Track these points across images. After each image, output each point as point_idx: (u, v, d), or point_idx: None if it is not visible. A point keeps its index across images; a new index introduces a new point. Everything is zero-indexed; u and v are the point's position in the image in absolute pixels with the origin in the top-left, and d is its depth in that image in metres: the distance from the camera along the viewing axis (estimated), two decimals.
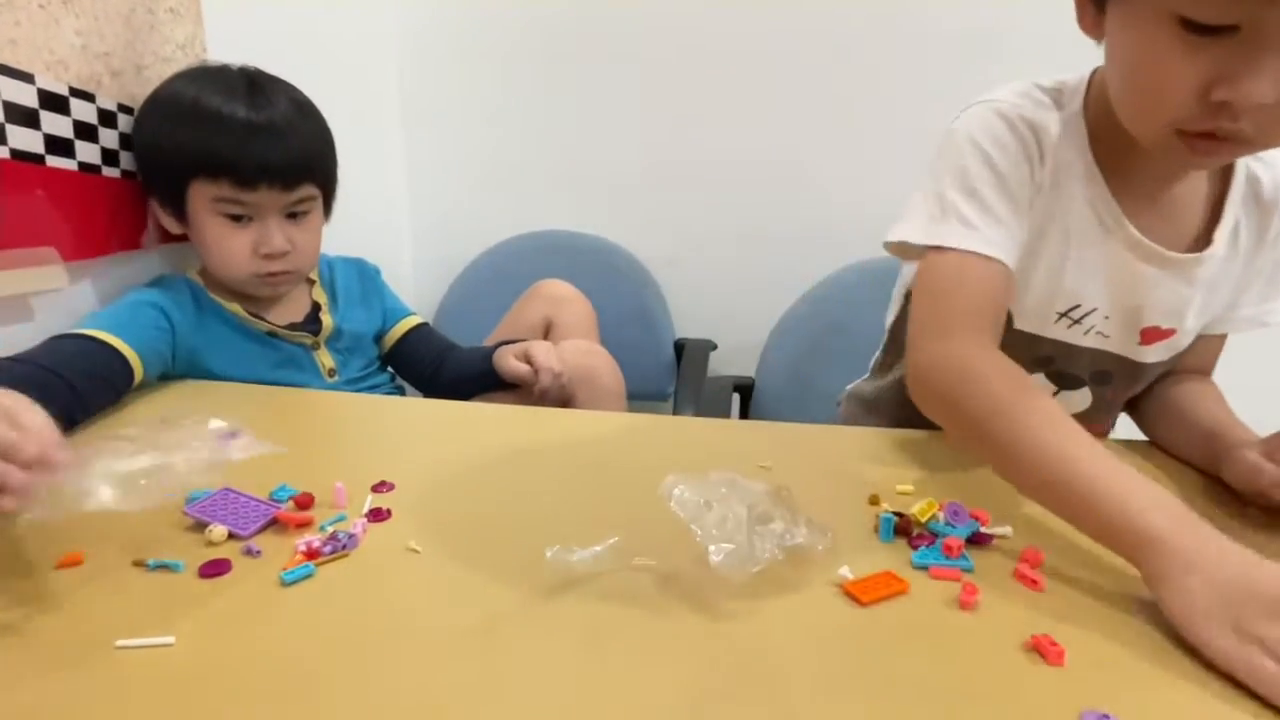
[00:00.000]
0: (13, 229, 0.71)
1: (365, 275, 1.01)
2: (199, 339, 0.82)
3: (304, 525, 0.49)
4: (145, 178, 0.83)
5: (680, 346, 1.39)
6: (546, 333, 1.02)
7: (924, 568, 0.46)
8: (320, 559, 0.45)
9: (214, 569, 0.44)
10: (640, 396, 1.21)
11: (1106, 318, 0.63)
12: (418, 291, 1.52)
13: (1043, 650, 0.38)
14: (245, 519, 0.48)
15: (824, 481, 0.57)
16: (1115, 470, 0.45)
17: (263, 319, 0.86)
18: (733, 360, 1.38)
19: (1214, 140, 0.48)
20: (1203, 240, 0.62)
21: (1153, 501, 0.43)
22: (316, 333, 0.90)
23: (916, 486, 0.57)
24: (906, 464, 0.64)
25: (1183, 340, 0.65)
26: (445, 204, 1.50)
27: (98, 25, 0.80)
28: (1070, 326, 0.64)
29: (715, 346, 1.40)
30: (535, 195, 1.48)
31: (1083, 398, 0.69)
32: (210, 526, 0.47)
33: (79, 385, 0.64)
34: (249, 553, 0.46)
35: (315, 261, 0.91)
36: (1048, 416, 0.49)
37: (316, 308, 0.92)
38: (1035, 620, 0.41)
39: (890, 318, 0.81)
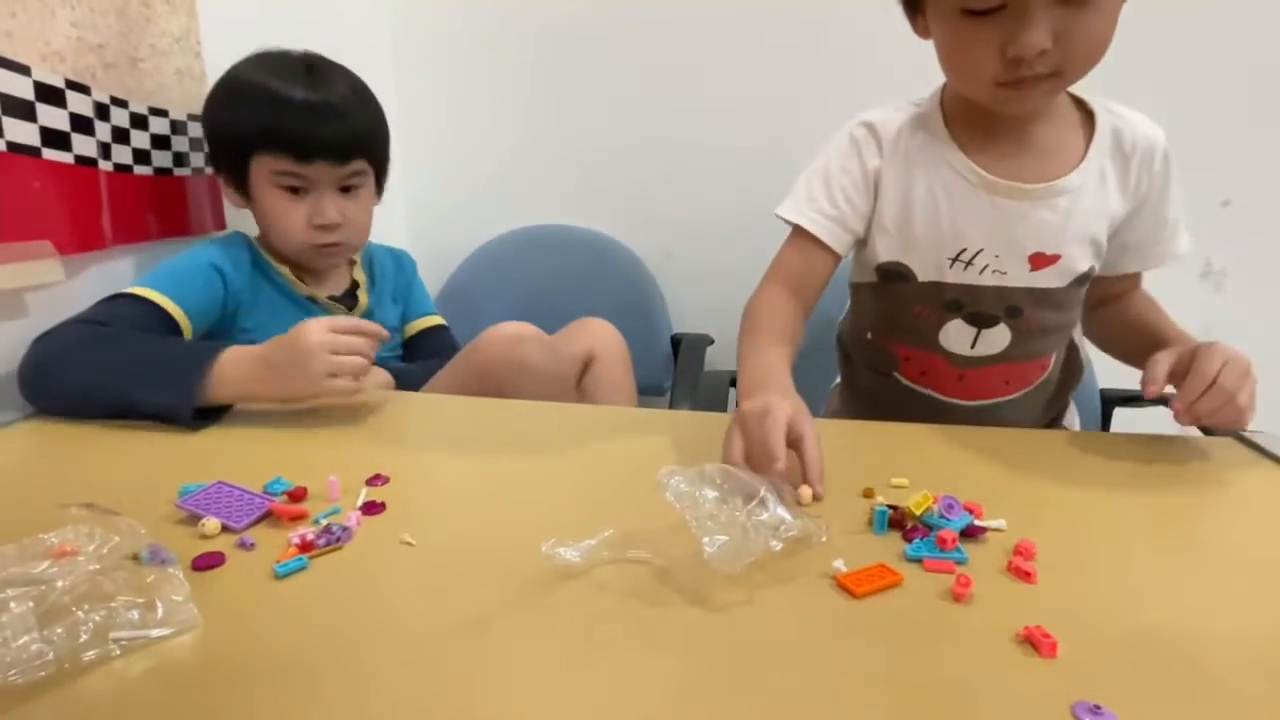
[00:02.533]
0: (9, 222, 0.71)
1: (402, 265, 1.07)
2: (245, 296, 0.87)
3: (298, 518, 0.49)
4: (212, 155, 0.91)
5: (677, 341, 1.39)
6: (585, 368, 1.00)
7: (918, 560, 0.46)
8: (314, 552, 0.45)
9: (207, 562, 0.44)
10: (637, 391, 1.21)
11: (997, 256, 0.73)
12: None
13: (1035, 642, 0.38)
14: (239, 512, 0.48)
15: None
16: (763, 364, 0.70)
17: (305, 283, 0.92)
18: (730, 355, 1.37)
19: (1027, 83, 0.63)
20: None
21: (760, 388, 0.64)
22: (352, 308, 0.95)
23: (911, 479, 0.57)
24: (901, 457, 0.64)
25: (1075, 265, 0.74)
26: (441, 198, 1.50)
27: (92, 17, 0.80)
28: (965, 269, 0.74)
29: (712, 341, 1.39)
30: (531, 190, 1.48)
31: (1001, 334, 0.77)
32: (203, 519, 0.47)
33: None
34: (242, 545, 0.46)
35: (366, 236, 0.95)
36: (759, 335, 0.75)
37: (355, 285, 0.98)
38: (1028, 612, 0.41)
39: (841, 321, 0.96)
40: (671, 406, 1.22)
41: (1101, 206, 0.73)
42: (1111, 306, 0.82)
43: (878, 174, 0.75)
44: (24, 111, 0.72)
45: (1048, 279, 0.74)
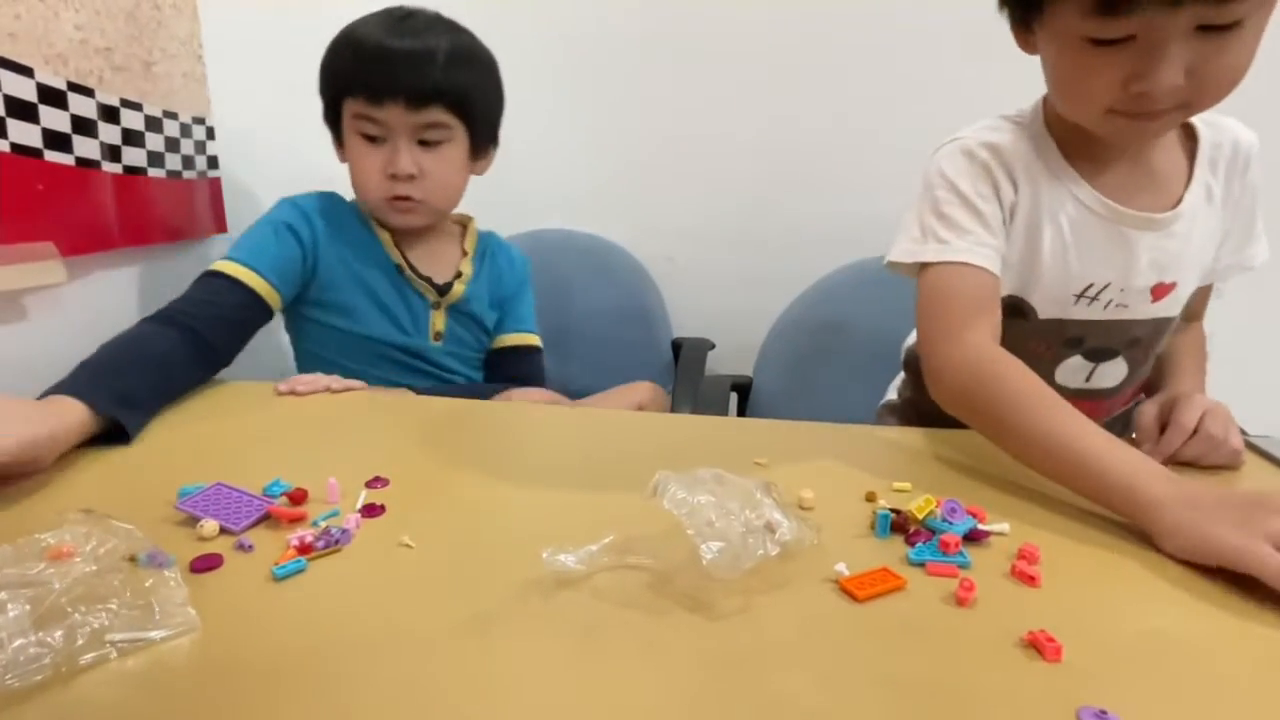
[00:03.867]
0: (12, 223, 0.71)
1: (515, 271, 1.01)
2: (327, 252, 0.86)
3: (297, 520, 0.49)
4: (324, 111, 0.88)
5: (678, 345, 1.39)
6: None
7: (921, 564, 0.46)
8: (313, 554, 0.45)
9: (205, 564, 0.43)
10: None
11: (1122, 290, 0.70)
12: None
13: (1040, 646, 0.38)
14: (237, 514, 0.48)
15: (820, 478, 0.57)
16: (1120, 447, 0.53)
17: (408, 261, 0.89)
18: (730, 359, 1.38)
19: (1146, 117, 0.58)
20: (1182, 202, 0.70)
21: (1152, 474, 0.51)
22: (444, 294, 0.91)
23: (913, 483, 0.57)
24: (903, 461, 0.64)
25: (1185, 291, 0.72)
26: None
27: (98, 20, 0.80)
28: (1090, 304, 0.70)
29: (713, 346, 1.39)
30: (533, 194, 1.48)
31: (1118, 367, 0.74)
32: (201, 521, 0.47)
33: (207, 333, 0.74)
34: (241, 547, 0.45)
35: (450, 199, 0.90)
36: (1057, 405, 0.57)
37: (457, 275, 0.94)
38: (1032, 616, 0.40)
39: (908, 341, 0.89)
40: (672, 411, 1.22)
41: (1213, 227, 0.71)
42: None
43: (1013, 205, 0.68)
44: (26, 113, 0.72)
45: (1166, 308, 0.72)
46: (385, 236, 0.89)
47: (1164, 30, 0.53)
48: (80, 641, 0.35)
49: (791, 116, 1.35)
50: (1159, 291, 0.70)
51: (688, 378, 1.29)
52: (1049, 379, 0.71)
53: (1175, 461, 0.62)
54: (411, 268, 0.90)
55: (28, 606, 0.35)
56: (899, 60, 1.28)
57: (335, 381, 0.78)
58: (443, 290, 0.91)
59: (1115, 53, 0.55)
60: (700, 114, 1.38)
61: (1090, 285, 0.69)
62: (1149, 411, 0.64)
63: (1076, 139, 0.67)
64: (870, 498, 0.55)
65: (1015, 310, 0.72)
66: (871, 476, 0.58)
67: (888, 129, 1.30)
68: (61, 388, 0.60)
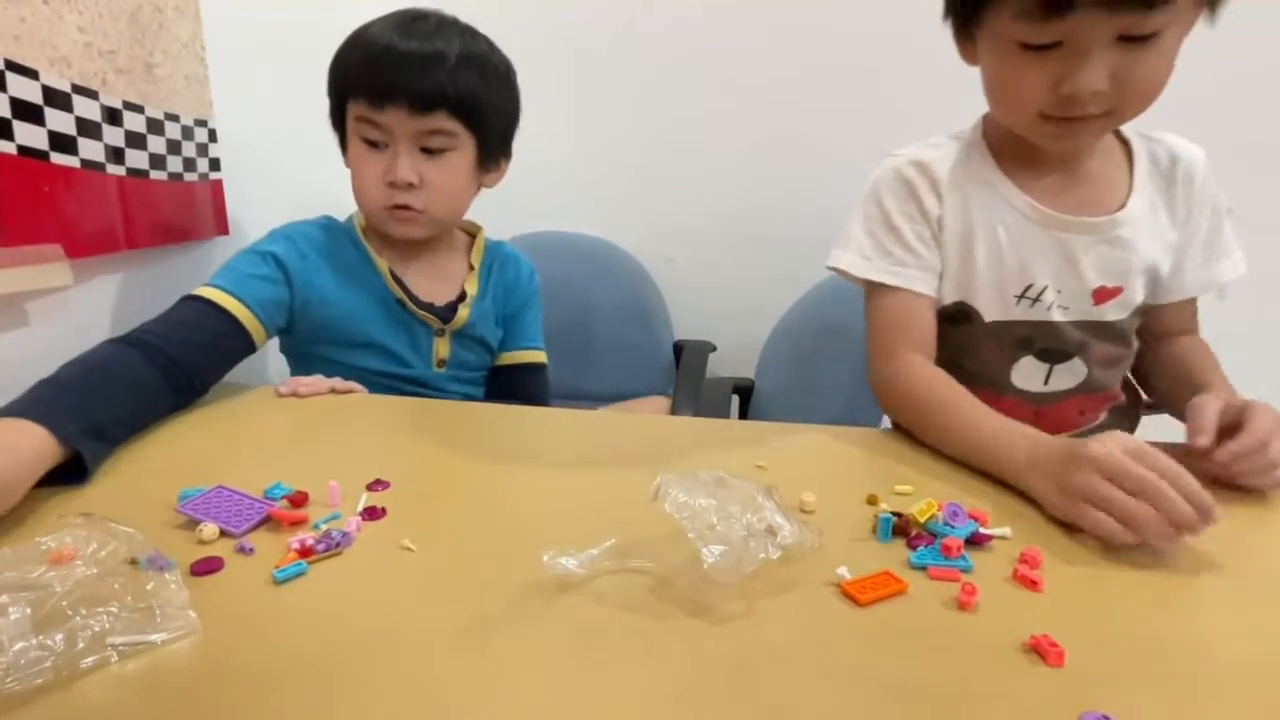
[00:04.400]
0: (18, 226, 0.71)
1: (521, 285, 0.96)
2: (321, 284, 0.82)
3: (297, 523, 0.49)
4: (330, 112, 0.85)
5: (679, 348, 1.39)
6: None
7: (922, 568, 0.46)
8: (313, 557, 0.45)
9: (206, 567, 0.43)
10: (639, 397, 1.21)
11: (1059, 291, 0.72)
12: None
13: (1042, 651, 0.38)
14: (238, 517, 0.48)
15: (822, 481, 0.57)
16: (1005, 426, 0.60)
17: (403, 284, 0.85)
18: (732, 362, 1.38)
19: (1077, 122, 0.62)
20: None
21: (1014, 442, 0.58)
22: (447, 321, 0.87)
23: (915, 487, 0.57)
24: (905, 464, 0.63)
25: (1134, 296, 0.73)
26: None
27: (101, 23, 0.80)
28: (1032, 305, 0.73)
29: (714, 348, 1.39)
30: (534, 196, 1.48)
31: (1076, 368, 0.76)
32: (202, 524, 0.47)
33: (182, 359, 0.68)
34: (241, 550, 0.45)
35: (453, 210, 0.86)
36: (971, 407, 0.64)
37: (462, 296, 0.89)
38: (1034, 621, 0.40)
39: None
40: (674, 413, 1.22)
41: (1158, 236, 0.72)
42: (1166, 347, 0.79)
43: (939, 218, 0.73)
44: (32, 115, 0.72)
45: (1110, 312, 0.73)
46: (383, 266, 0.84)
47: (1088, 36, 0.58)
48: (81, 644, 0.35)
49: (793, 119, 1.35)
50: (1101, 295, 0.72)
51: (689, 380, 1.29)
52: (1007, 383, 0.77)
53: (1234, 475, 0.57)
54: (413, 298, 0.85)
55: (29, 610, 0.35)
56: (901, 61, 1.28)
57: (337, 383, 0.77)
58: (446, 317, 0.87)
59: (1044, 58, 0.60)
60: (702, 116, 1.38)
61: (1029, 286, 0.72)
62: (1209, 408, 0.59)
63: (1012, 148, 0.72)
64: (872, 501, 0.55)
65: (963, 316, 0.76)
66: (873, 479, 0.58)
67: (888, 132, 1.29)
68: (14, 410, 0.51)
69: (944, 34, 1.24)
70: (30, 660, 0.34)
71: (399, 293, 0.85)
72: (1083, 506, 0.49)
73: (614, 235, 1.46)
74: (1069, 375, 0.76)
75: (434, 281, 0.88)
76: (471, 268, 0.91)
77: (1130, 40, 0.58)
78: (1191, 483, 0.48)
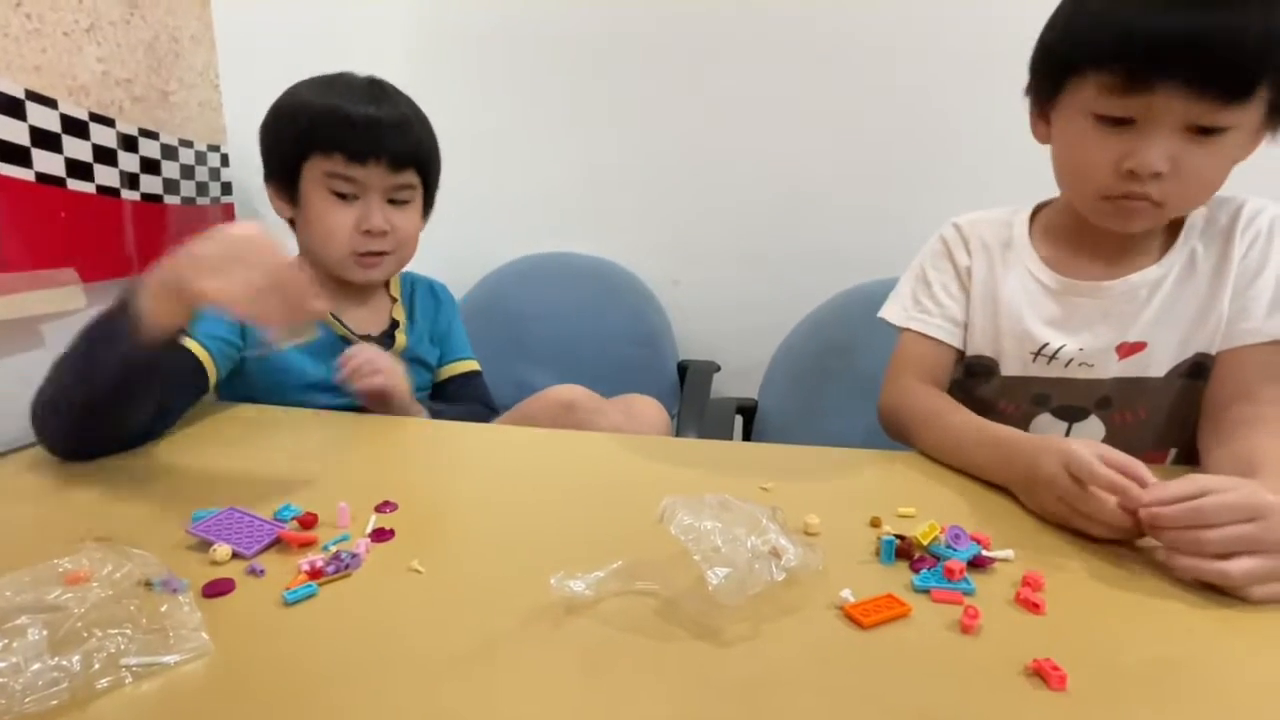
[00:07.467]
0: (34, 250, 0.72)
1: (441, 305, 1.05)
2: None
3: (307, 545, 0.49)
4: (265, 161, 0.91)
5: (684, 368, 1.40)
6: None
7: (925, 591, 0.46)
8: (323, 579, 0.45)
9: (217, 588, 0.44)
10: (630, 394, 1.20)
11: (1081, 349, 0.73)
12: None
13: (1045, 674, 0.38)
14: (249, 538, 0.49)
15: (825, 504, 0.57)
16: (993, 429, 0.66)
17: (341, 322, 0.90)
18: (736, 382, 1.38)
19: (1132, 201, 0.65)
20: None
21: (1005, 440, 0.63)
22: (388, 347, 0.92)
23: (918, 509, 0.57)
24: (908, 487, 0.64)
25: (1159, 354, 0.72)
26: (447, 228, 1.51)
27: (119, 53, 0.83)
28: (1049, 362, 0.75)
29: (718, 368, 1.40)
30: (538, 217, 1.50)
31: (1093, 427, 0.75)
32: (214, 546, 0.47)
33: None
34: (252, 572, 0.46)
35: (411, 253, 0.95)
36: (954, 410, 0.71)
37: (394, 324, 0.96)
38: (1037, 644, 0.40)
39: None
40: (678, 434, 1.22)
41: (1197, 294, 0.70)
42: (1228, 428, 0.65)
43: (968, 271, 0.80)
44: (50, 143, 0.74)
45: (1137, 367, 0.73)
46: (327, 314, 0.86)
47: (1161, 118, 0.61)
48: (96, 666, 0.36)
49: (798, 141, 1.36)
50: (1124, 350, 0.73)
51: (693, 400, 1.30)
52: None
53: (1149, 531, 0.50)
54: (353, 333, 0.90)
55: (45, 631, 0.36)
56: (906, 84, 1.30)
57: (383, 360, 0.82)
58: (385, 345, 0.92)
59: (1115, 134, 0.63)
60: (707, 138, 1.40)
61: (1046, 344, 0.75)
62: (1187, 483, 0.49)
63: (1057, 223, 0.77)
64: (875, 523, 0.55)
65: (983, 369, 0.79)
66: (876, 501, 0.58)
67: (894, 155, 1.32)
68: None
69: (955, 69, 1.25)
70: (47, 681, 0.34)
71: (341, 329, 0.90)
72: (1053, 502, 0.55)
73: (619, 257, 1.47)
74: (1088, 435, 0.75)
75: (368, 316, 0.95)
76: (394, 299, 0.99)
77: (1198, 132, 0.61)
78: (1148, 476, 0.51)
